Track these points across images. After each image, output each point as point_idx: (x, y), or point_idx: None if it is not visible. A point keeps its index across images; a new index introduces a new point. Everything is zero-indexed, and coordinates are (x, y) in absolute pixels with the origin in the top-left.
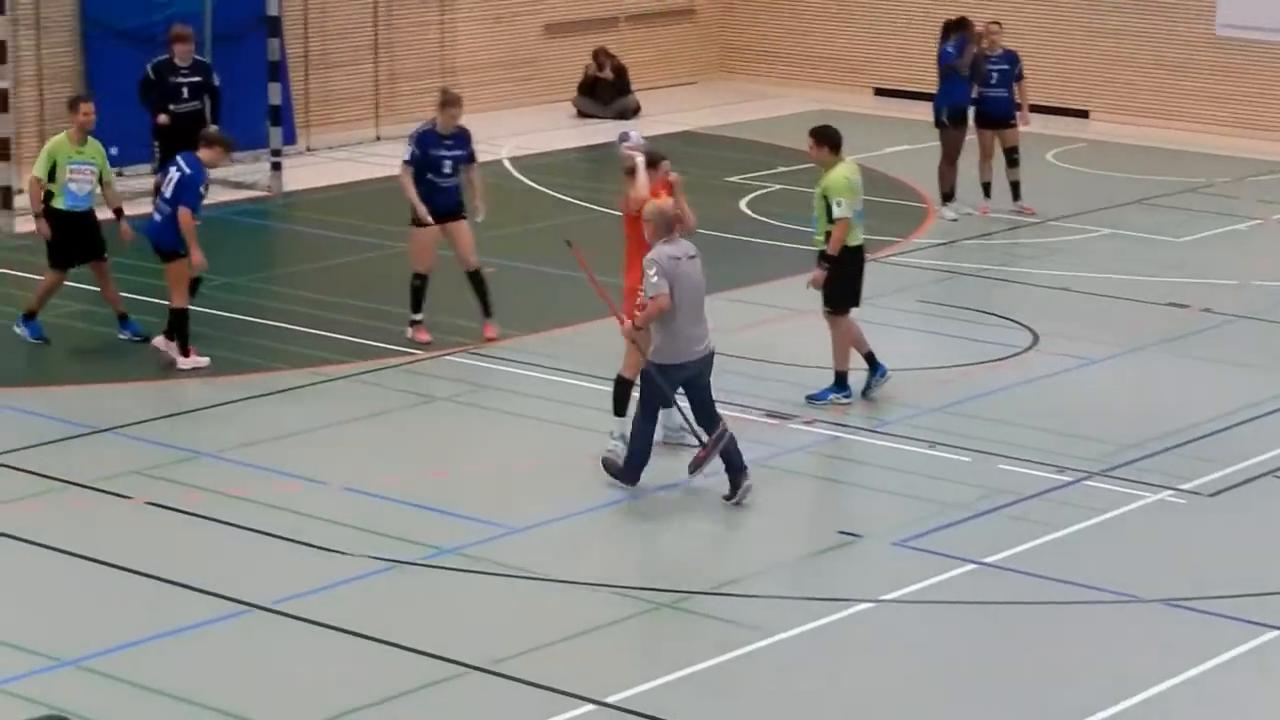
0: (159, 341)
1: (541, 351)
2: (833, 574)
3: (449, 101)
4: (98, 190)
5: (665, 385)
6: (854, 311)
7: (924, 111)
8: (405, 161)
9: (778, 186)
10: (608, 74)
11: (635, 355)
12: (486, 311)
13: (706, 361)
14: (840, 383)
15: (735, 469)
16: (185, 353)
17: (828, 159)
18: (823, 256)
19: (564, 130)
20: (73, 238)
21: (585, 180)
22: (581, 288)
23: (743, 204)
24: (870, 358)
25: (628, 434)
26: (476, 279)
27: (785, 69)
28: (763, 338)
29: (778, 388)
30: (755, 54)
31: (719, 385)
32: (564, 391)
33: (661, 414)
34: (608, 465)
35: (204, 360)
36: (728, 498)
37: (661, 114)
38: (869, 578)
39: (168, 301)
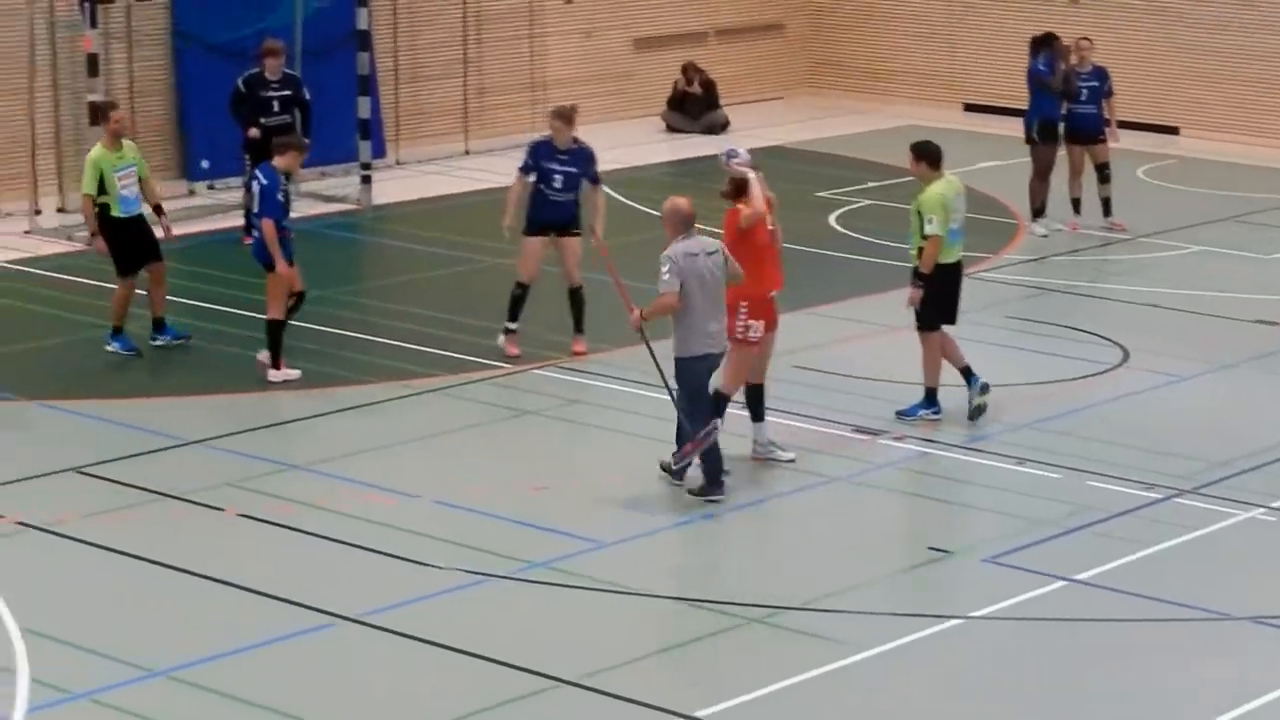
0: (272, 375)
1: (632, 366)
2: (923, 590)
3: (553, 114)
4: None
5: (693, 378)
6: (949, 329)
7: (1014, 127)
8: (519, 169)
9: (867, 202)
10: (696, 89)
11: (733, 369)
12: (578, 328)
13: (720, 358)
14: (930, 399)
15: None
16: (276, 365)
17: (927, 174)
18: (917, 274)
19: (653, 144)
20: (132, 243)
21: (673, 194)
22: None
23: (832, 219)
24: (966, 371)
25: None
26: (576, 297)
27: (874, 84)
28: (852, 353)
29: (867, 403)
30: (844, 69)
31: (809, 400)
32: (654, 406)
33: (752, 428)
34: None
35: (295, 373)
36: (691, 491)
37: (750, 129)
38: (959, 594)
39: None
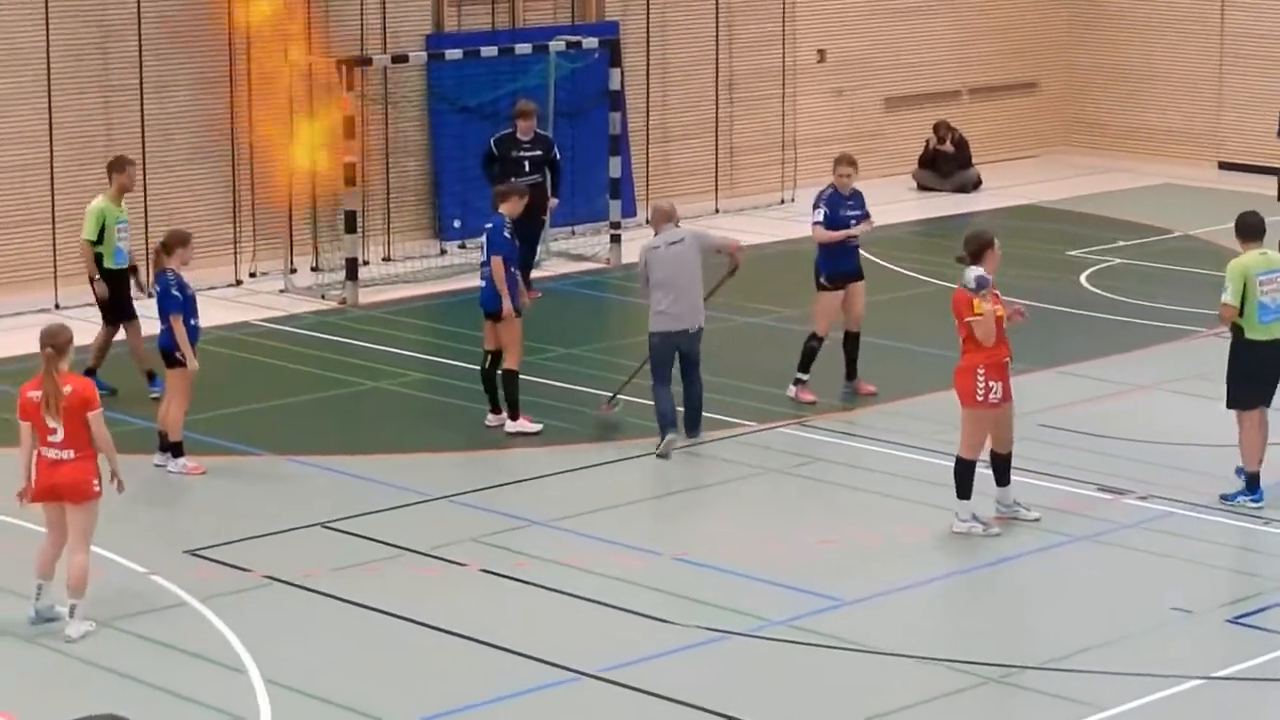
0: (509, 426)
1: (875, 425)
2: (1164, 649)
3: (842, 160)
4: None
5: (653, 350)
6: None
7: (1268, 185)
8: (816, 223)
9: (1118, 261)
10: (948, 147)
11: (970, 436)
12: (854, 371)
13: (689, 335)
14: (1251, 484)
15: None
16: (514, 416)
17: (1242, 244)
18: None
19: (903, 203)
20: (119, 294)
21: (923, 253)
22: (915, 359)
23: (1083, 278)
24: (1253, 480)
25: (979, 514)
26: (854, 341)
27: (1128, 142)
28: (1100, 412)
29: (1113, 463)
30: (1098, 127)
31: (1055, 459)
32: (895, 464)
33: (997, 492)
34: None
35: (535, 426)
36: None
37: (1002, 187)
38: (1201, 654)
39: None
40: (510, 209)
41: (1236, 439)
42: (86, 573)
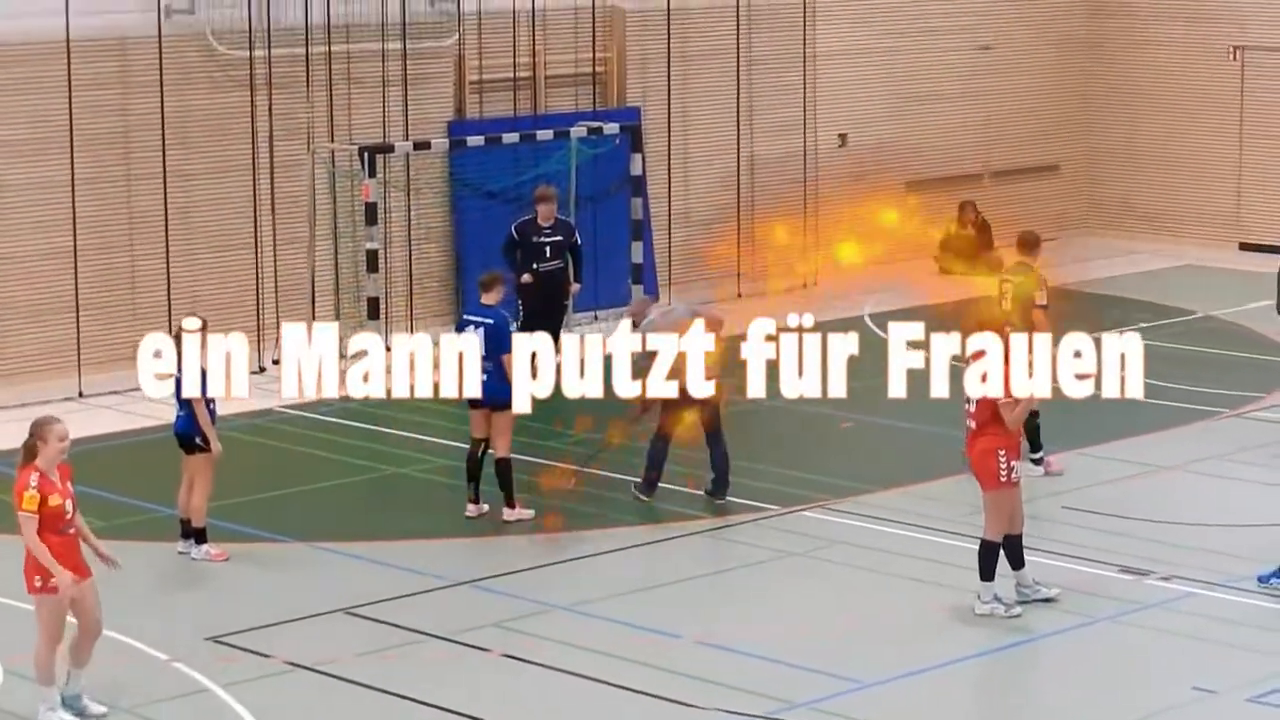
0: (507, 514)
1: (894, 507)
2: None
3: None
4: None
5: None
6: None
7: None
8: (1043, 306)
9: (1143, 342)
10: (969, 230)
11: (997, 519)
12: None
13: None
14: None
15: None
16: (510, 505)
17: None
18: None
19: (925, 285)
20: None
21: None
22: (934, 441)
23: None
24: None
25: (1000, 594)
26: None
27: (1149, 224)
28: (1121, 493)
29: (1134, 544)
30: (1120, 209)
31: (1076, 539)
32: (916, 547)
33: (1015, 575)
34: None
35: (529, 512)
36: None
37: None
38: None
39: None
40: (495, 299)
41: None
42: (40, 664)
